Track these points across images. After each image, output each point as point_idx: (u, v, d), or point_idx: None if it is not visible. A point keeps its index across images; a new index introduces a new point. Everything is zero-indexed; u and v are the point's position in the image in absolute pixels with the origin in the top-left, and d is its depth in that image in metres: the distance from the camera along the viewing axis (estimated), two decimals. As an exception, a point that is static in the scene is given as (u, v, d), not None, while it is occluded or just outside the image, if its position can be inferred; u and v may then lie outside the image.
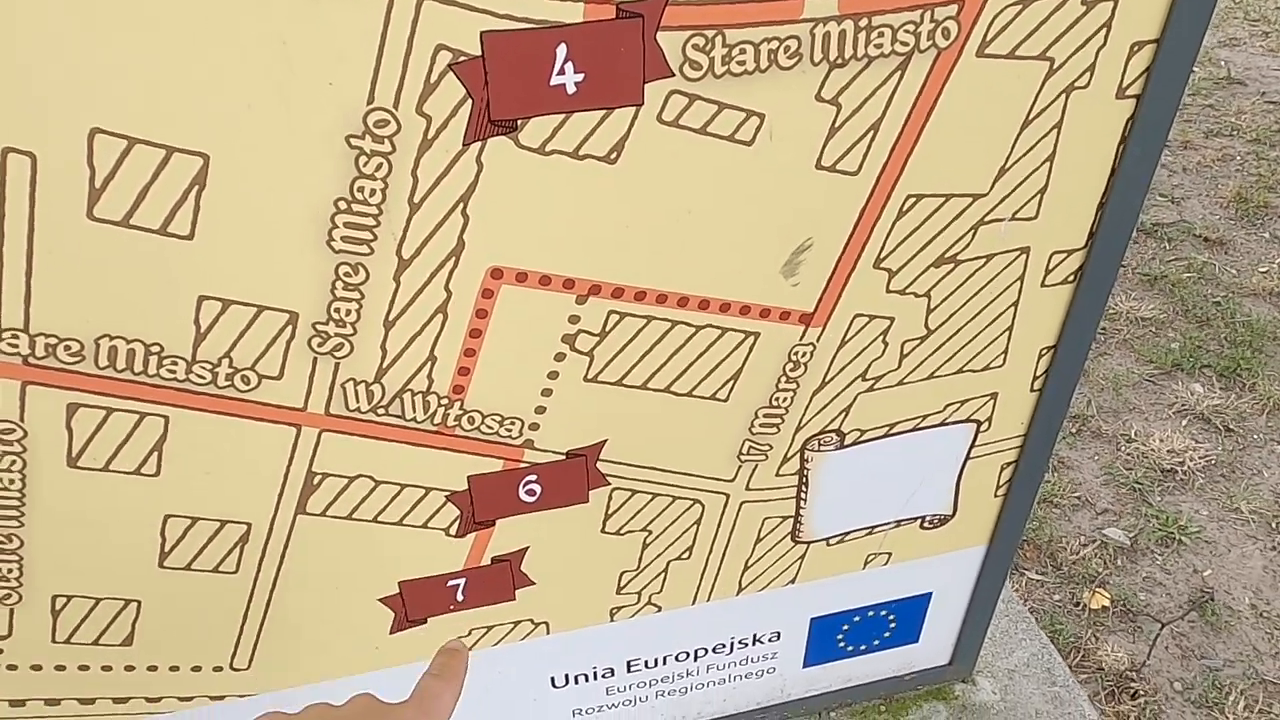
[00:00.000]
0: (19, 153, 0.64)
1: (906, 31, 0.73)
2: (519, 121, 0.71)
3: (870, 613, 1.22)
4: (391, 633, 1.02)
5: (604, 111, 0.72)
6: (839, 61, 0.73)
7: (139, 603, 0.91)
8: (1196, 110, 3.92)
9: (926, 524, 1.13)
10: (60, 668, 0.93)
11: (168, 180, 0.68)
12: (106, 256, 0.70)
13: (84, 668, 0.94)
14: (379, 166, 0.71)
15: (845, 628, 1.22)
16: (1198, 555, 2.18)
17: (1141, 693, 1.89)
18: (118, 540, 0.86)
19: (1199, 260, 3.01)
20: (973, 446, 1.06)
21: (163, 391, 0.78)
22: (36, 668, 0.93)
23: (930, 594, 1.23)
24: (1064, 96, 0.80)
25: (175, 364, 0.77)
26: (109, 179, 0.67)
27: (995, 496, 1.13)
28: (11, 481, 0.80)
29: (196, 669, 0.98)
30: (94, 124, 0.64)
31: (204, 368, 0.77)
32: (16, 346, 0.72)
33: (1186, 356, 2.64)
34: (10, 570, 0.85)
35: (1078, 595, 2.14)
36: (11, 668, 0.92)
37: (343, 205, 0.72)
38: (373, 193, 0.72)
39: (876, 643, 1.27)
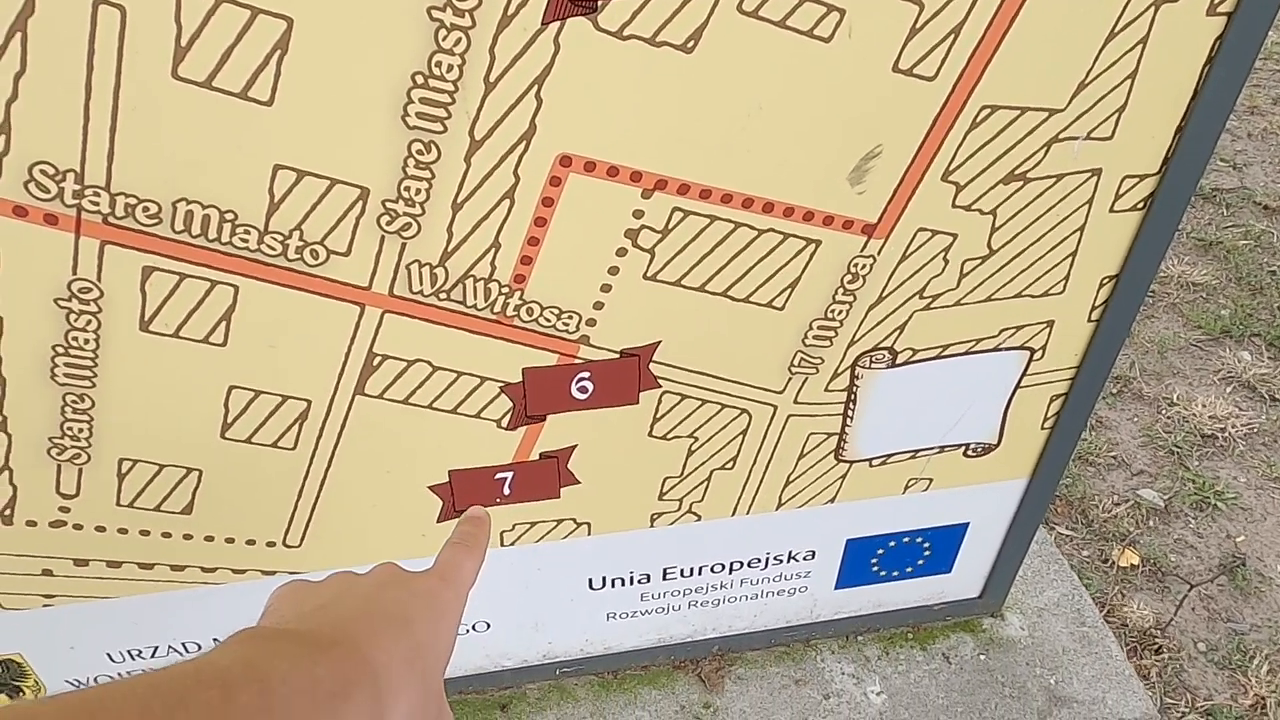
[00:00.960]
0: (110, 5, 0.65)
1: (997, -71, 0.72)
2: (599, 2, 0.70)
3: (906, 539, 1.23)
4: (438, 521, 1.04)
5: (685, -4, 0.71)
6: (926, -43, 0.72)
7: (200, 472, 0.94)
8: (1266, 75, 3.79)
9: (970, 452, 1.13)
10: (123, 531, 0.97)
11: (251, 42, 0.68)
12: (188, 118, 0.71)
13: (145, 533, 0.98)
14: (458, 41, 0.71)
15: (880, 552, 1.23)
16: (1232, 521, 2.17)
17: (1165, 649, 1.89)
18: (183, 408, 0.89)
19: (1257, 228, 2.94)
20: (1024, 375, 1.05)
21: (234, 260, 0.79)
22: (100, 529, 0.96)
23: (967, 524, 1.23)
24: (1153, 9, 0.78)
25: (248, 233, 0.78)
26: (195, 37, 0.67)
27: (1041, 429, 1.13)
28: (86, 342, 0.82)
29: (251, 542, 1.01)
30: (183, -21, 0.65)
31: (275, 239, 0.79)
32: (97, 205, 0.74)
33: (1236, 324, 2.60)
34: (81, 430, 0.88)
35: (1107, 552, 2.13)
36: (77, 527, 0.95)
37: (420, 80, 0.72)
38: (450, 69, 0.72)
39: (909, 569, 1.28)
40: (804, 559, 1.23)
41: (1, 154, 0.70)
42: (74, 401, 0.86)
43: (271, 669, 0.33)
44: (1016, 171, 0.87)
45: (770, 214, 0.86)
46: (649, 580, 1.21)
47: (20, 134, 0.70)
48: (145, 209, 0.75)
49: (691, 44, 0.74)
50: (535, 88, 0.74)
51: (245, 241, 0.79)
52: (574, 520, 1.09)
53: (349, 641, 0.36)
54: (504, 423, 0.97)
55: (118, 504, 0.95)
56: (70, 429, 0.88)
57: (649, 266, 0.87)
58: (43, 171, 0.72)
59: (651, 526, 1.13)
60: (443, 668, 0.41)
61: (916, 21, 0.75)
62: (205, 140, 0.72)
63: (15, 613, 1.03)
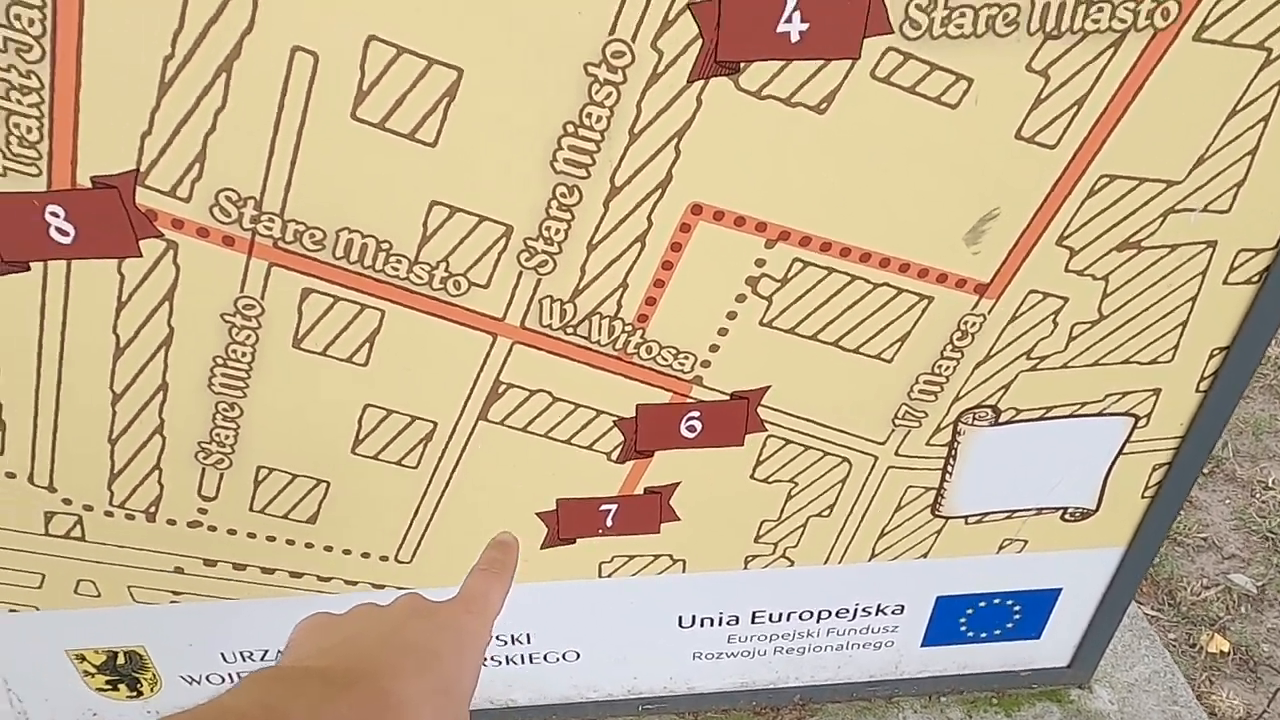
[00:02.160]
0: (305, 51, 0.72)
1: (1126, 9, 0.75)
2: (742, 64, 0.76)
3: (997, 600, 1.22)
4: (541, 548, 1.08)
5: (821, 62, 0.76)
6: (1055, 33, 0.76)
7: (328, 484, 1.00)
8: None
9: (1068, 516, 1.13)
10: (251, 535, 1.03)
11: (424, 89, 0.75)
12: (360, 155, 0.78)
13: (271, 538, 1.04)
14: (609, 95, 0.76)
15: (970, 611, 1.23)
16: (1330, 615, 2.08)
17: (1257, 741, 1.82)
18: (320, 422, 0.95)
19: (1361, 313, 2.86)
20: (1127, 441, 1.06)
21: (384, 287, 0.86)
22: (231, 532, 1.03)
23: (1059, 590, 1.22)
24: (1277, 88, 0.80)
25: (400, 262, 0.84)
26: (375, 83, 0.74)
27: (1142, 498, 1.12)
28: (244, 355, 0.89)
29: (366, 555, 1.07)
30: (371, 31, 0.72)
31: (423, 269, 0.85)
32: (270, 230, 0.81)
33: (1337, 409, 2.51)
34: (228, 437, 0.95)
35: (1195, 637, 2.07)
36: (211, 529, 1.02)
37: (570, 129, 0.78)
38: (599, 120, 0.78)
39: (998, 632, 1.27)
40: (892, 613, 1.23)
41: (195, 180, 0.78)
42: (225, 410, 0.93)
43: (290, 709, 0.32)
44: (1131, 239, 0.89)
45: (886, 269, 0.89)
46: (737, 622, 1.22)
47: (213, 163, 0.77)
48: (312, 235, 0.82)
49: (825, 106, 0.78)
50: (675, 140, 0.79)
51: (396, 270, 0.85)
52: (670, 557, 1.12)
53: (371, 676, 0.36)
54: (614, 456, 1.01)
55: (250, 509, 1.01)
56: (218, 435, 0.94)
57: (765, 313, 0.91)
58: (227, 197, 0.79)
59: (745, 568, 1.15)
60: (468, 699, 0.40)
61: (1041, 92, 0.79)
62: (372, 176, 0.79)
63: (145, 606, 1.10)
